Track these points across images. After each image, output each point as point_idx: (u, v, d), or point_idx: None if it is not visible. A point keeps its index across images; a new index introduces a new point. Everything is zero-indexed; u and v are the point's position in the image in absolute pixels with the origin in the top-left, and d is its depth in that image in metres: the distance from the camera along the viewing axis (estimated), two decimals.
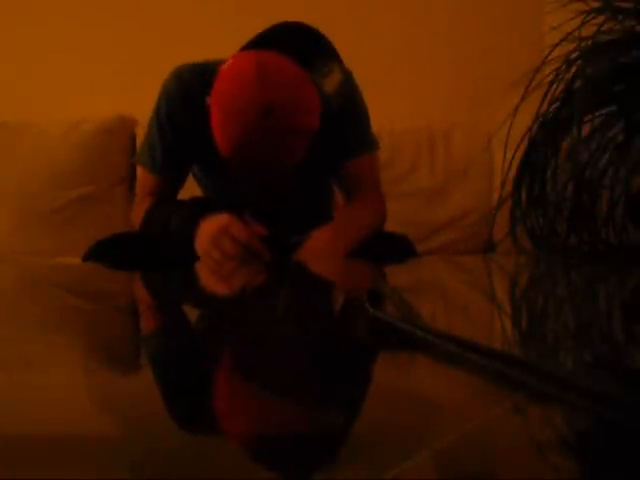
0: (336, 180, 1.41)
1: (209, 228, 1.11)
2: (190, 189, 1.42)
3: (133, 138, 2.09)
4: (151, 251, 1.21)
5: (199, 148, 1.25)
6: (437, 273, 1.11)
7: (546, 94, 1.49)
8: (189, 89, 1.22)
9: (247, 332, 0.50)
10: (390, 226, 1.38)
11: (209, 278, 1.01)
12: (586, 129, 1.43)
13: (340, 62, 1.18)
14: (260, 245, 1.09)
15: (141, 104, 2.03)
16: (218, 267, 1.07)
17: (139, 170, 1.39)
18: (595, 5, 1.42)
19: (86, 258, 1.21)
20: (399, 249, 1.29)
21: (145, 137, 1.32)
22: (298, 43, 1.11)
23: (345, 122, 1.28)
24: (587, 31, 1.41)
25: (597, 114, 1.45)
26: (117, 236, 1.29)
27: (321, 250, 1.17)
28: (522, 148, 1.57)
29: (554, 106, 1.48)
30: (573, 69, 1.44)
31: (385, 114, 1.58)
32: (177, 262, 1.16)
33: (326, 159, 1.30)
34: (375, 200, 1.34)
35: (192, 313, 0.65)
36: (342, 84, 1.16)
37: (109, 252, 1.22)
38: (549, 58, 1.49)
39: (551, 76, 1.48)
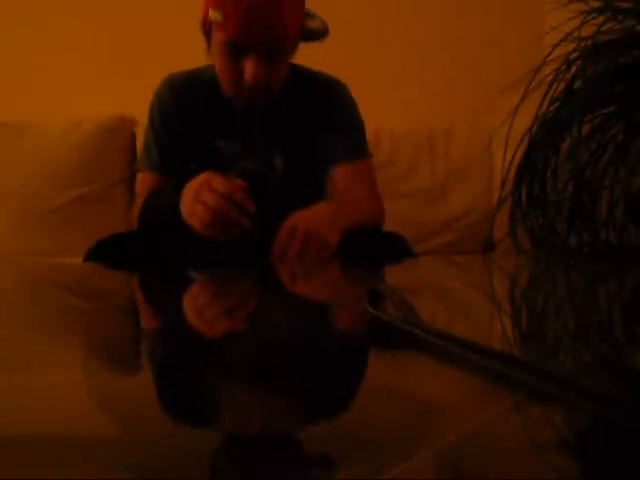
0: (329, 187, 1.41)
1: (191, 187, 1.11)
2: None
3: (133, 138, 2.09)
4: (151, 251, 1.21)
5: (193, 148, 1.31)
6: (437, 273, 1.11)
7: (546, 94, 1.49)
8: (180, 95, 1.30)
9: (247, 332, 0.50)
10: (390, 226, 1.38)
11: (210, 279, 1.01)
12: (586, 129, 1.43)
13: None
14: (242, 197, 1.07)
15: (141, 104, 2.03)
16: (206, 227, 1.06)
17: (139, 176, 1.41)
18: (595, 5, 1.42)
19: (87, 258, 1.22)
20: (395, 249, 1.28)
21: (143, 144, 1.38)
22: None
23: (338, 127, 1.33)
24: (587, 31, 1.41)
25: (597, 114, 1.45)
26: (117, 236, 1.29)
27: (315, 219, 1.14)
28: (522, 148, 1.57)
29: (554, 106, 1.48)
30: (573, 69, 1.44)
31: (385, 114, 1.58)
32: (177, 262, 1.16)
33: (318, 164, 1.34)
34: (370, 198, 1.34)
35: (192, 313, 0.65)
36: (324, 30, 1.27)
37: (109, 252, 1.22)
38: (549, 58, 1.49)
39: (551, 76, 1.48)
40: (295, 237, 1.10)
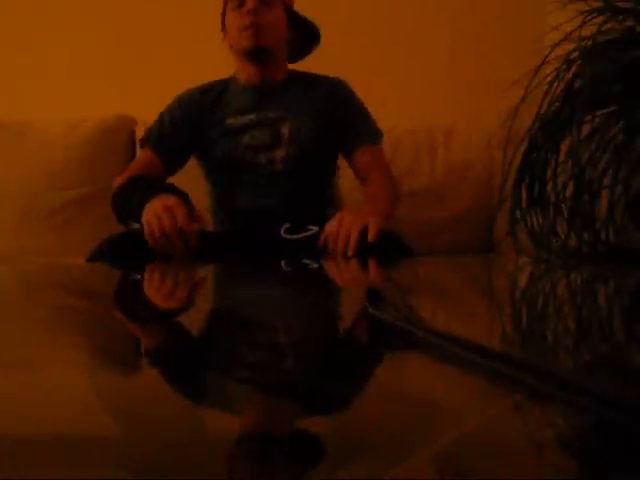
0: (352, 168, 1.54)
1: (158, 202, 1.24)
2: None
3: (133, 138, 2.09)
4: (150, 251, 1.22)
5: (195, 139, 1.51)
6: (437, 273, 1.11)
7: (546, 94, 1.48)
8: (189, 100, 1.54)
9: (248, 332, 0.50)
10: (390, 226, 1.38)
11: (210, 277, 1.01)
12: (586, 129, 1.42)
13: None
14: (193, 235, 1.22)
15: (141, 104, 2.03)
16: (153, 238, 1.21)
17: (140, 151, 1.63)
18: (595, 5, 1.42)
19: (90, 259, 1.22)
20: (393, 248, 1.28)
21: (150, 126, 1.56)
22: None
23: (354, 114, 1.48)
24: (587, 31, 1.41)
25: (597, 114, 1.45)
26: (119, 235, 1.29)
27: (357, 212, 1.26)
28: (522, 148, 1.56)
29: (554, 106, 1.48)
30: (573, 69, 1.44)
31: (385, 114, 1.58)
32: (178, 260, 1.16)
33: (328, 152, 1.40)
34: (390, 185, 1.45)
35: (193, 313, 0.65)
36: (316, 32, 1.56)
37: (113, 252, 1.22)
38: (549, 58, 1.49)
39: (551, 76, 1.48)
40: (343, 224, 1.22)
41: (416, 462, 0.22)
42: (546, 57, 1.50)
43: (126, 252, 1.24)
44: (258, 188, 1.45)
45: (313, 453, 0.24)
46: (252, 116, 1.46)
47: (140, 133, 2.07)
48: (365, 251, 1.20)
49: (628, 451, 0.23)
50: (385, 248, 1.26)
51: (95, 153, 2.05)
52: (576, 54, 1.43)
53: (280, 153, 1.45)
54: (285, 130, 1.45)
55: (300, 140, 1.45)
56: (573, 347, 0.44)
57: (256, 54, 1.44)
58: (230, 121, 1.47)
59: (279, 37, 1.48)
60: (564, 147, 1.48)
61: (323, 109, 1.47)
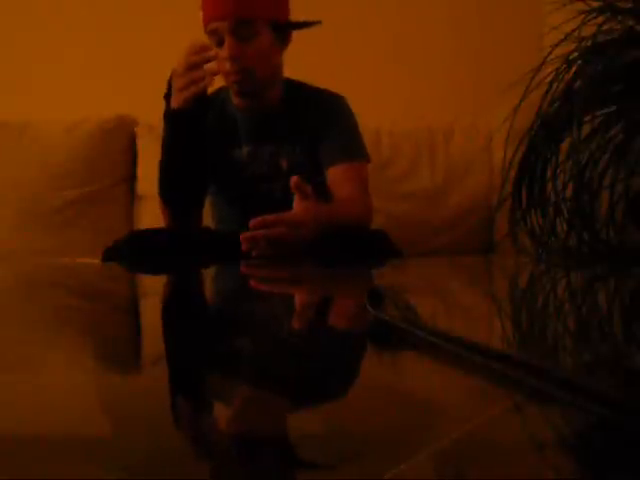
0: (328, 183, 1.44)
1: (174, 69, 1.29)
2: None
3: (133, 138, 2.09)
4: (170, 250, 1.20)
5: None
6: (437, 273, 1.11)
7: (546, 94, 1.48)
8: None
9: (247, 332, 0.50)
10: (390, 226, 1.38)
11: (210, 280, 1.01)
12: (586, 129, 1.42)
13: None
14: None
15: (141, 104, 2.03)
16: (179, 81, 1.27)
17: None
18: (595, 5, 1.42)
19: (105, 259, 1.19)
20: (380, 248, 1.26)
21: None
22: None
23: (333, 131, 1.39)
24: (587, 31, 1.41)
25: (597, 114, 1.45)
26: (135, 234, 1.28)
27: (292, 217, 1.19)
28: (522, 148, 1.56)
29: (554, 106, 1.48)
30: (573, 69, 1.44)
31: (385, 114, 1.58)
32: (194, 262, 1.15)
33: (318, 166, 1.36)
34: (358, 199, 1.36)
35: (193, 313, 0.65)
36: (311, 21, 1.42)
37: (127, 252, 1.20)
38: (549, 58, 1.49)
39: (551, 76, 1.48)
40: (268, 220, 1.16)
41: (416, 462, 0.22)
42: (546, 57, 1.50)
43: (143, 252, 1.20)
44: (255, 211, 1.40)
45: (313, 453, 0.24)
46: (249, 149, 1.40)
47: (140, 133, 2.07)
48: (353, 252, 1.19)
49: (628, 451, 0.23)
50: (373, 249, 1.24)
51: (95, 153, 2.05)
52: (576, 54, 1.43)
53: (279, 184, 1.39)
54: (283, 163, 1.40)
55: (299, 171, 1.36)
56: (573, 347, 0.44)
57: (244, 95, 1.37)
58: (227, 150, 1.41)
59: (269, 68, 1.37)
60: (564, 147, 1.48)
61: (317, 129, 1.40)
